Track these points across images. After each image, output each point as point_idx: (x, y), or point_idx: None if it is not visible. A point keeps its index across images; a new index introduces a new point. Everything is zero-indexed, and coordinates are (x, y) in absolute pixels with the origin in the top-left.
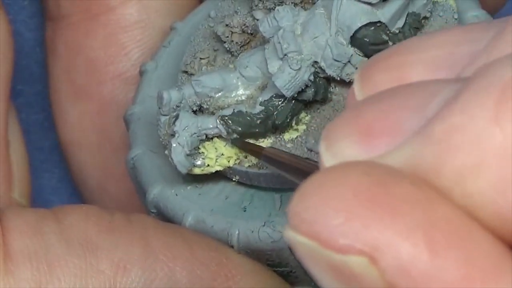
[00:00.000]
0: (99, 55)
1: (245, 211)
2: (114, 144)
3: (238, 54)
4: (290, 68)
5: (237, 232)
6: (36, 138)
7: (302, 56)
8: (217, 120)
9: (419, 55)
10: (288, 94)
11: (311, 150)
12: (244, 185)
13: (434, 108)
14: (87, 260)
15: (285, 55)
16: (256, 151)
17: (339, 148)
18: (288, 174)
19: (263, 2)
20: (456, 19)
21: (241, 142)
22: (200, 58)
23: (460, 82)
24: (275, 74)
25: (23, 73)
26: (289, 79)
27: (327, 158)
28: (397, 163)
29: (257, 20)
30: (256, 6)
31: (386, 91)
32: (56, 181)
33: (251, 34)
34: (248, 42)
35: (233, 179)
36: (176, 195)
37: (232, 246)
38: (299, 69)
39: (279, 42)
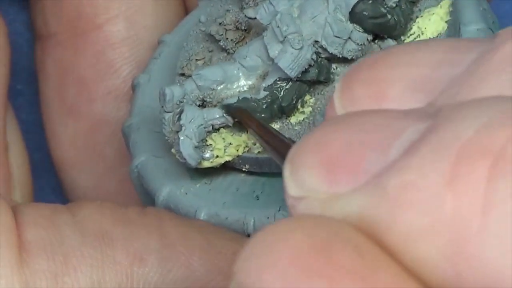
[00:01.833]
0: (89, 73)
1: (258, 199)
2: (107, 162)
3: (234, 52)
4: (292, 48)
5: (252, 221)
6: (36, 138)
7: (303, 36)
8: (223, 109)
9: (398, 72)
10: (292, 74)
11: None
12: (254, 175)
13: (396, 150)
14: (103, 251)
15: (285, 37)
16: (247, 123)
17: (302, 176)
18: (270, 152)
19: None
20: None
21: (236, 110)
22: (196, 60)
23: (426, 121)
24: (277, 56)
25: (23, 73)
26: (292, 59)
27: (290, 185)
28: (351, 210)
29: (249, 18)
30: (246, 4)
31: (355, 117)
32: (56, 181)
33: (245, 30)
34: (243, 38)
35: (243, 169)
36: (186, 193)
37: (248, 236)
38: (301, 48)
39: (278, 26)
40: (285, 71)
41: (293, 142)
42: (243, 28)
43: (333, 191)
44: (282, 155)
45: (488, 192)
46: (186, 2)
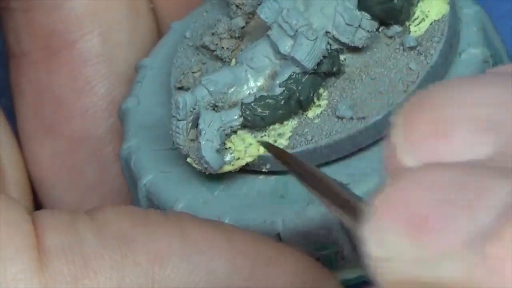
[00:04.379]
0: (65, 91)
1: (283, 198)
2: (87, 181)
3: (230, 60)
4: (308, 39)
5: (281, 219)
6: None
7: (314, 28)
8: (242, 108)
9: (463, 112)
10: (309, 65)
11: (342, 118)
12: (274, 175)
13: (488, 213)
14: (123, 253)
15: (297, 30)
16: (280, 155)
17: (386, 237)
18: (317, 196)
19: (241, 8)
20: None
21: (266, 144)
22: (192, 72)
23: None
24: (293, 49)
25: None
26: (308, 50)
27: (373, 245)
28: (443, 273)
29: (241, 27)
30: (234, 13)
31: (436, 172)
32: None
33: (238, 38)
34: (237, 46)
35: (263, 169)
36: (205, 203)
37: (278, 234)
38: (316, 39)
39: (286, 22)
40: (302, 63)
41: (341, 185)
42: (236, 36)
43: (422, 254)
44: (331, 199)
45: None
46: (158, 18)
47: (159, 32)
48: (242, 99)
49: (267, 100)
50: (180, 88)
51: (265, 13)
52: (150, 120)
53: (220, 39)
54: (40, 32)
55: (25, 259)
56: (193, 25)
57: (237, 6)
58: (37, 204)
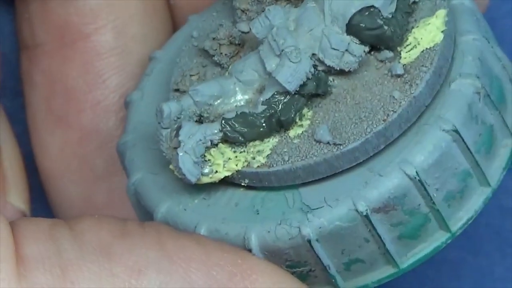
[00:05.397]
0: (77, 83)
1: (258, 214)
2: (96, 172)
3: (228, 66)
4: (290, 61)
5: (253, 235)
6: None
7: (300, 49)
8: (222, 124)
9: None
10: (290, 87)
11: (320, 142)
12: (253, 189)
13: None
14: (100, 264)
15: (282, 51)
16: None
17: None
18: None
19: (246, 13)
20: (444, 0)
21: None
22: (191, 75)
23: None
24: (275, 70)
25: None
26: (290, 72)
27: None
28: None
29: (242, 32)
30: (239, 18)
31: None
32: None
33: (239, 44)
34: (237, 53)
35: (242, 184)
36: (185, 210)
37: (250, 250)
38: (299, 61)
39: (274, 40)
40: (283, 84)
41: None
42: (236, 42)
43: None
44: None
45: None
46: (173, 13)
47: (176, 27)
48: (223, 115)
49: (247, 118)
50: (177, 90)
51: (256, 28)
52: (150, 117)
53: (220, 45)
54: (55, 23)
55: (4, 269)
56: (201, 24)
57: (242, 11)
58: (43, 196)
